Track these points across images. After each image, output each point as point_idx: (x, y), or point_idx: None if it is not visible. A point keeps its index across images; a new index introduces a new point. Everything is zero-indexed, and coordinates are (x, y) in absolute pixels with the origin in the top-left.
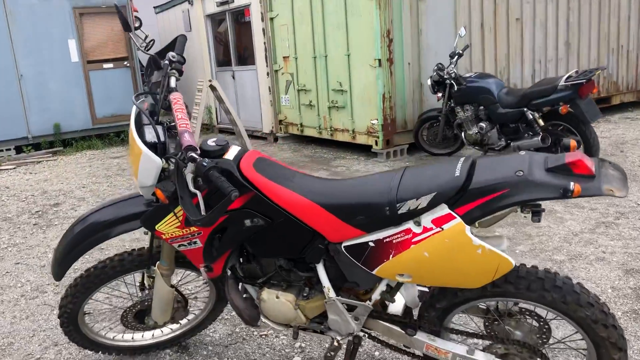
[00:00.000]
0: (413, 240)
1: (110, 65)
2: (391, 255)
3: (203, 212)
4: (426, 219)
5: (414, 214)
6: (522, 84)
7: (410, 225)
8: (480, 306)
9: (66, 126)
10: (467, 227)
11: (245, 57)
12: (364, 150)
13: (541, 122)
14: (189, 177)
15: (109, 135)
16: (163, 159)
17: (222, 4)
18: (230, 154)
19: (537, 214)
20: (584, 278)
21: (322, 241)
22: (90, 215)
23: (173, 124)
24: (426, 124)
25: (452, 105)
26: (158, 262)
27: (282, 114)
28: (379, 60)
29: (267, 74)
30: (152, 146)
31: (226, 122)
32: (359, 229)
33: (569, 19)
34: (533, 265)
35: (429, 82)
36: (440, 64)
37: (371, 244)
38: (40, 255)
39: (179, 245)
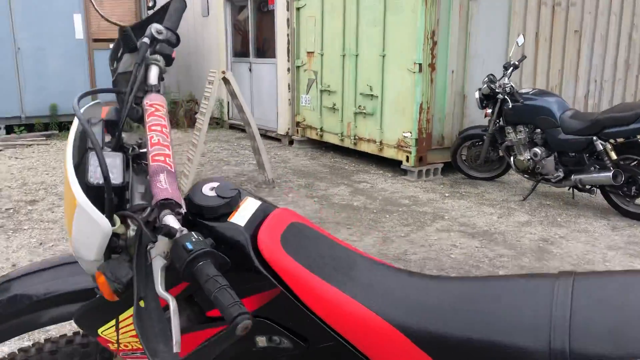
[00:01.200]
0: None
1: None
2: None
3: (175, 335)
4: None
5: None
6: (574, 104)
7: None
8: None
9: (64, 108)
10: None
11: (265, 49)
12: (391, 165)
13: (613, 155)
14: (157, 264)
15: None
16: (117, 217)
17: None
18: (242, 216)
19: None
20: None
21: None
22: (7, 283)
23: (144, 150)
24: (467, 142)
25: (502, 124)
26: None
27: (301, 116)
28: (420, 64)
29: (288, 69)
30: (98, 193)
31: (238, 119)
32: None
33: (632, 35)
34: None
35: (477, 94)
36: (491, 75)
37: None
38: None
39: None
